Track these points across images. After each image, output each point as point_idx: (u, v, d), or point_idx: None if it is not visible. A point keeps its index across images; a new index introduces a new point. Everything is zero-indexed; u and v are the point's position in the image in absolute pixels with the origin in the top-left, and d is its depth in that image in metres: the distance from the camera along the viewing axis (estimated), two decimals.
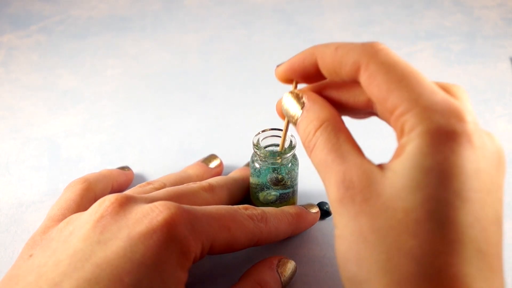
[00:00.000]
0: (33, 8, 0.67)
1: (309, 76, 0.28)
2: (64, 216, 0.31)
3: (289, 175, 0.35)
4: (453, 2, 0.66)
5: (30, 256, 0.27)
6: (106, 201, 0.28)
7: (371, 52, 0.24)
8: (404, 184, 0.21)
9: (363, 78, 0.24)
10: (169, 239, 0.26)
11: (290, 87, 0.29)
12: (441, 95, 0.23)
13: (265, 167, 0.35)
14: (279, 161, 0.34)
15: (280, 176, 0.35)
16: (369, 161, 0.24)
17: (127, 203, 0.28)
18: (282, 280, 0.31)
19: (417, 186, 0.21)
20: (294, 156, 0.35)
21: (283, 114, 0.30)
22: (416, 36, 0.60)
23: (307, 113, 0.27)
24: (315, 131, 0.26)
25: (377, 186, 0.22)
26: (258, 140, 0.34)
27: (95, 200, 0.31)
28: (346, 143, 0.25)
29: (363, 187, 0.23)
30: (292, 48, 0.58)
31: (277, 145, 0.35)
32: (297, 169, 0.35)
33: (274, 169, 0.34)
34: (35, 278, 0.25)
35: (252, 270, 0.31)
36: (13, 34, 0.61)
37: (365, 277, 0.22)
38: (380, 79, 0.23)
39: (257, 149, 0.34)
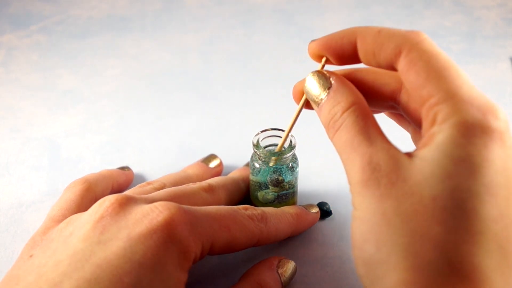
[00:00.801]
0: (33, 8, 0.66)
1: (343, 56, 0.27)
2: (64, 217, 0.31)
3: (289, 176, 0.35)
4: (453, 2, 0.66)
5: (30, 256, 0.27)
6: (106, 202, 0.28)
7: (415, 39, 0.24)
8: (434, 172, 0.22)
9: (402, 64, 0.24)
10: (169, 239, 0.26)
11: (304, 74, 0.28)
12: (478, 91, 0.23)
13: (264, 167, 0.35)
14: (279, 161, 0.34)
15: (280, 178, 0.35)
16: (396, 147, 0.24)
17: (127, 204, 0.28)
18: (282, 280, 0.31)
19: (447, 175, 0.21)
20: (294, 156, 0.35)
21: (300, 95, 0.29)
22: None
23: (334, 93, 0.26)
24: (343, 112, 0.25)
25: (404, 171, 0.22)
26: (258, 140, 0.34)
27: (95, 200, 0.31)
28: (373, 128, 0.24)
29: (390, 170, 0.23)
30: (292, 48, 0.58)
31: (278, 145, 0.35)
32: (297, 169, 0.35)
33: (274, 171, 0.34)
34: (35, 278, 0.25)
35: (252, 270, 0.31)
36: (13, 34, 0.61)
37: (384, 259, 0.22)
38: (420, 65, 0.23)
39: (257, 149, 0.34)
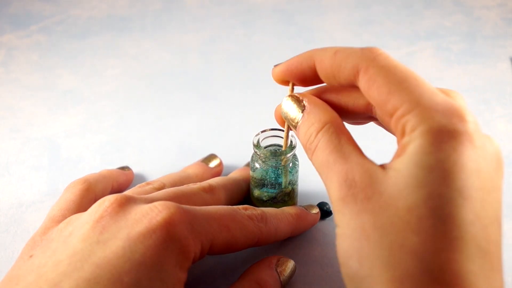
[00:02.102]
0: (33, 8, 0.67)
1: (306, 79, 0.28)
2: (64, 217, 0.31)
3: (290, 176, 0.35)
4: (453, 2, 0.66)
5: (30, 256, 0.27)
6: (106, 202, 0.28)
7: (370, 57, 0.24)
8: (407, 182, 0.22)
9: (362, 82, 0.24)
10: (169, 239, 0.26)
11: (287, 89, 0.29)
12: (441, 96, 0.23)
13: (265, 167, 0.35)
14: (281, 161, 0.34)
15: (289, 189, 0.35)
16: (370, 161, 0.24)
17: (126, 204, 0.28)
18: (281, 279, 0.31)
19: (419, 184, 0.21)
20: (294, 156, 0.35)
21: (282, 120, 0.30)
22: (416, 36, 0.60)
23: (308, 115, 0.27)
24: (317, 133, 0.26)
25: (379, 184, 0.22)
26: (258, 141, 0.34)
27: (95, 200, 0.31)
28: (348, 144, 0.25)
29: (365, 185, 0.23)
30: (292, 48, 0.58)
31: (278, 145, 0.35)
32: (298, 169, 0.35)
33: (281, 192, 0.35)
34: (35, 278, 0.25)
35: (251, 269, 0.31)
36: (13, 34, 0.61)
37: (367, 273, 0.22)
38: (380, 81, 0.23)
39: (257, 149, 0.34)
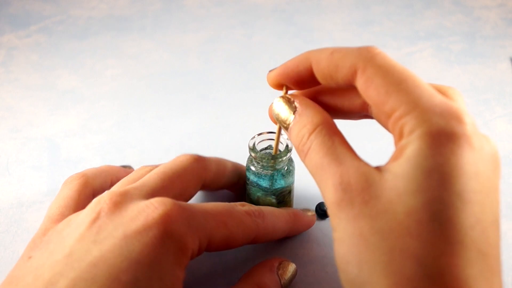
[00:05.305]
0: (33, 8, 0.67)
1: (303, 82, 0.28)
2: (62, 215, 0.31)
3: (286, 179, 0.35)
4: (453, 2, 0.66)
5: (29, 258, 0.27)
6: (102, 201, 0.28)
7: (367, 56, 0.24)
8: (405, 186, 0.21)
9: (360, 82, 0.24)
10: (166, 235, 0.25)
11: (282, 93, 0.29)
12: (439, 98, 0.23)
13: (261, 170, 0.34)
14: (276, 164, 0.34)
15: (285, 192, 0.35)
16: (365, 163, 0.24)
17: (122, 201, 0.27)
18: (282, 283, 0.31)
19: (418, 188, 0.21)
20: (290, 159, 0.35)
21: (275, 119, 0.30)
22: (416, 36, 0.60)
23: (299, 117, 0.27)
24: (309, 135, 0.26)
25: (376, 188, 0.22)
26: (254, 144, 0.34)
27: (94, 195, 0.30)
28: (341, 146, 0.24)
29: (361, 189, 0.22)
30: (292, 48, 0.58)
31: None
32: (294, 172, 0.35)
33: (277, 195, 0.34)
34: (33, 279, 0.25)
35: (252, 272, 0.31)
36: (13, 34, 0.61)
37: (366, 279, 0.22)
38: (378, 82, 0.23)
39: (253, 152, 0.33)
